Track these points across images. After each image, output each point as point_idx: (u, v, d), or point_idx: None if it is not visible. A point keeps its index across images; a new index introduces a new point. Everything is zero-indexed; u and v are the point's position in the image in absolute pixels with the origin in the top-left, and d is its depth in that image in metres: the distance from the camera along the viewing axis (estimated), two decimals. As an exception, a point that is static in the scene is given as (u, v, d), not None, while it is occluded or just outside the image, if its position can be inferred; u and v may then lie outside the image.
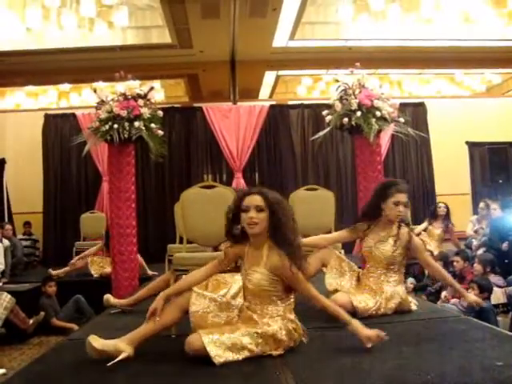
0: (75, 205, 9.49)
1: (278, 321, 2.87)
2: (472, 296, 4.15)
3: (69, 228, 9.23)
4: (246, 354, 2.74)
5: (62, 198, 9.82)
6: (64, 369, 2.83)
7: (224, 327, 2.82)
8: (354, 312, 3.56)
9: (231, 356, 2.70)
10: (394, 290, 3.83)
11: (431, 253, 7.48)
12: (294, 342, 2.92)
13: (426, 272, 7.37)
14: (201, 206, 3.77)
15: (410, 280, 7.29)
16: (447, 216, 7.94)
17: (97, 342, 2.76)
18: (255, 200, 2.86)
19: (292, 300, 3.00)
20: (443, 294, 6.56)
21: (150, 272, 6.96)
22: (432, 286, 6.94)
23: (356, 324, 2.86)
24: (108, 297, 4.45)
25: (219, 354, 2.66)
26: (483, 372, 2.40)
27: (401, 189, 3.81)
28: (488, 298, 5.67)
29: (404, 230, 3.85)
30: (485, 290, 5.66)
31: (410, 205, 8.78)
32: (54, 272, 7.41)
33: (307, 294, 2.94)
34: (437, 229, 7.96)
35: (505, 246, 6.92)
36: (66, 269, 7.63)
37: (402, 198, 3.77)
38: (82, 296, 6.75)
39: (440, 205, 8.07)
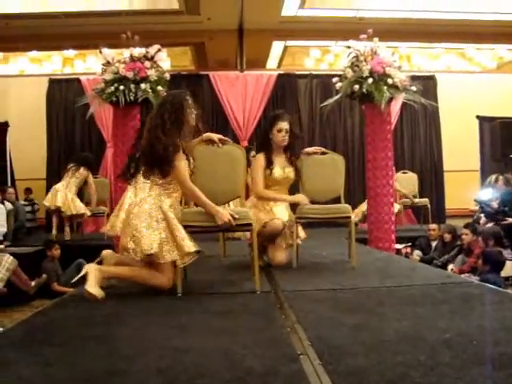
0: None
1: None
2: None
3: (72, 194, 9.10)
4: None
5: (66, 164, 9.68)
6: (66, 321, 2.75)
7: None
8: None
9: None
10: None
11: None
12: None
13: (433, 245, 7.30)
14: (209, 163, 3.64)
15: (417, 252, 7.23)
16: None
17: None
18: None
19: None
20: (450, 266, 6.50)
21: None
22: (438, 258, 6.86)
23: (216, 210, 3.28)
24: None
25: None
26: (504, 332, 2.30)
27: (282, 117, 4.35)
28: (495, 271, 5.57)
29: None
30: (488, 261, 5.57)
31: (418, 179, 8.77)
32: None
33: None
34: None
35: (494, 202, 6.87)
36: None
37: (284, 125, 4.30)
38: (85, 260, 6.65)
39: None
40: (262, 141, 4.49)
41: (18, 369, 1.97)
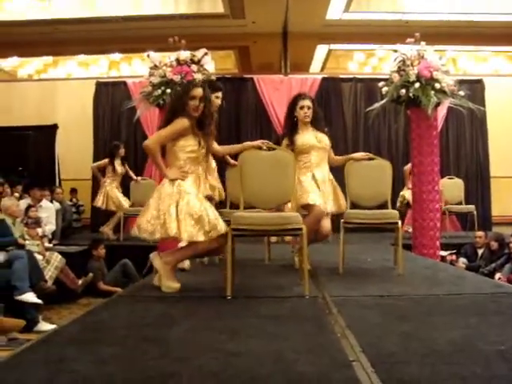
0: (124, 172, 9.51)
1: None
2: None
3: (118, 195, 9.26)
4: None
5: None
6: (117, 322, 2.80)
7: None
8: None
9: None
10: None
11: None
12: None
13: (479, 252, 7.16)
14: (259, 168, 3.66)
15: (462, 260, 7.08)
16: None
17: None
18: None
19: None
20: (497, 275, 6.36)
21: None
22: (485, 267, 6.72)
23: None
24: None
25: None
26: (562, 345, 2.24)
27: (304, 96, 4.63)
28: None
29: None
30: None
31: (464, 185, 8.60)
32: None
33: None
34: None
35: None
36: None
37: (306, 102, 4.51)
38: (130, 261, 6.76)
39: None
40: (287, 121, 4.65)
41: (76, 366, 2.02)
